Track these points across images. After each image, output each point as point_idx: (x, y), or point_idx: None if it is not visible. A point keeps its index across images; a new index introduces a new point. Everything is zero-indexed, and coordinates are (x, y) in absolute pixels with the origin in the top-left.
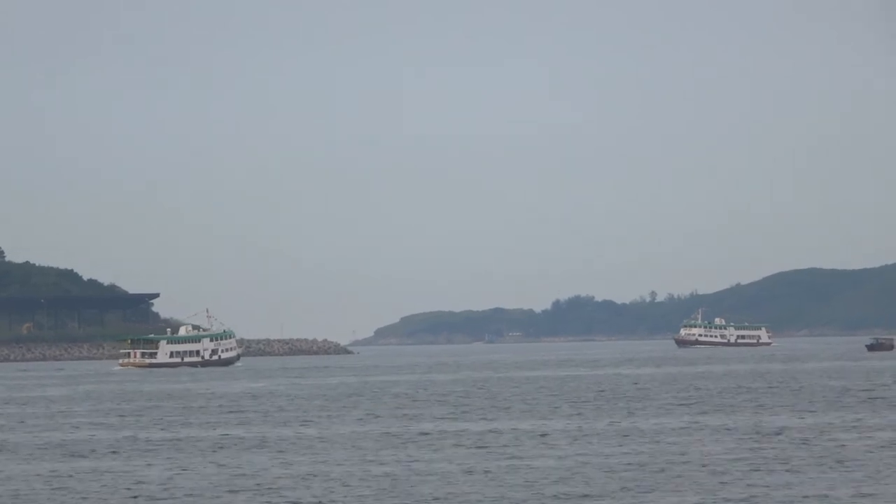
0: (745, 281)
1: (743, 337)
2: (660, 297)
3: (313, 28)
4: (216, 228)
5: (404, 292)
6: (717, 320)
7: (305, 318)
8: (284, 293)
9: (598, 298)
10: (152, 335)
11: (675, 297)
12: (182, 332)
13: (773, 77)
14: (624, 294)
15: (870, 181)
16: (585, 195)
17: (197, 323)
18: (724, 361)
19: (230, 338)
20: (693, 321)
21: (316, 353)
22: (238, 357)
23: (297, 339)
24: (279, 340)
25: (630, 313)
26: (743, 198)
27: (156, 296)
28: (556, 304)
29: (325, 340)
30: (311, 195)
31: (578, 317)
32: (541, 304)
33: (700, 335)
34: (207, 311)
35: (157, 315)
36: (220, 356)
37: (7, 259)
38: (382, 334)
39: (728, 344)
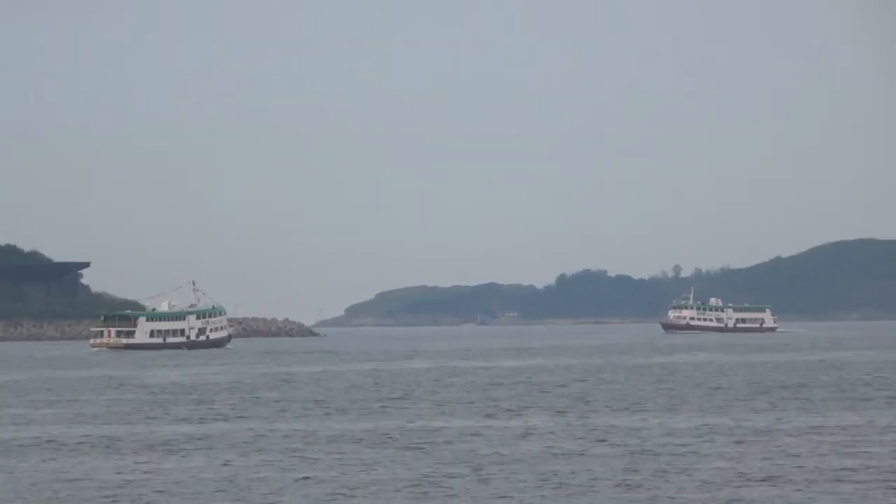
0: (785, 253)
1: (743, 321)
2: (685, 272)
3: None
4: (159, 189)
5: (381, 264)
6: (713, 300)
7: (262, 294)
8: (238, 264)
9: (612, 273)
10: (129, 311)
11: (704, 271)
12: (164, 307)
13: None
14: (642, 268)
15: None
16: (595, 154)
17: (179, 297)
18: (701, 349)
19: (220, 315)
20: (683, 301)
21: (275, 334)
22: (229, 338)
23: (253, 319)
24: (230, 319)
25: (649, 290)
26: (784, 159)
27: (86, 265)
28: (562, 279)
29: (286, 321)
30: (266, 149)
31: (588, 294)
32: (543, 278)
33: (692, 318)
34: (193, 283)
35: (87, 288)
36: (208, 336)
37: None
38: (355, 313)
39: (725, 329)
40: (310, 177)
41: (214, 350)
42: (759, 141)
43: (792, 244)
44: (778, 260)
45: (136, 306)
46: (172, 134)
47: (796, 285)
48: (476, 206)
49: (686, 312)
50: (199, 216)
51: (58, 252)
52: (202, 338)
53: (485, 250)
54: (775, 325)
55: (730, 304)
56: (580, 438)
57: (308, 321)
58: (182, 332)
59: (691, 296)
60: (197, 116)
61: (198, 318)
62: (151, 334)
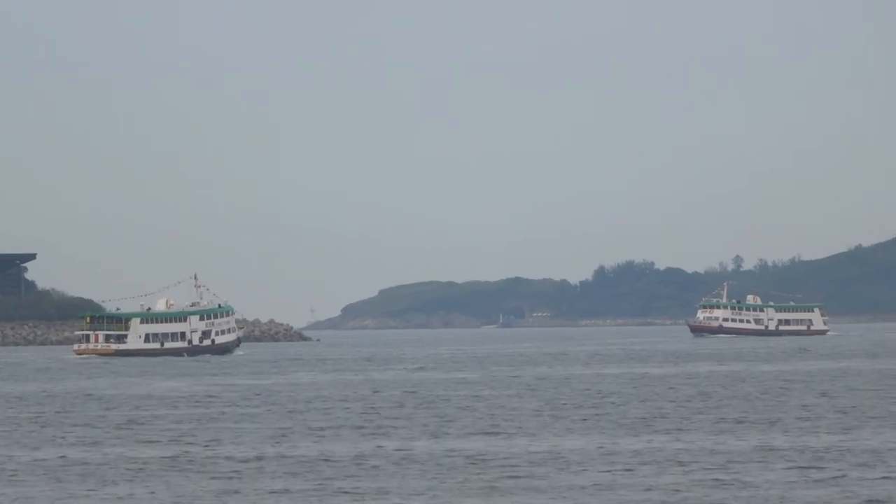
0: (867, 242)
1: (787, 322)
2: (747, 265)
3: None
4: (116, 172)
5: (384, 256)
6: (750, 298)
7: (244, 292)
8: (213, 257)
9: (660, 265)
10: (119, 310)
11: (770, 263)
12: (161, 306)
13: None
14: (696, 259)
15: None
16: (635, 125)
17: (178, 294)
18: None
19: (227, 315)
20: (715, 300)
21: (258, 339)
22: (238, 342)
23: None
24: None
25: (705, 286)
26: (860, 133)
27: (31, 257)
28: (601, 272)
29: (271, 322)
30: (249, 129)
31: (632, 291)
32: (578, 272)
33: (725, 319)
34: (195, 277)
35: (32, 284)
36: (213, 340)
37: None
38: (354, 313)
39: (765, 332)
40: (300, 152)
41: (221, 357)
42: (834, 107)
43: (873, 232)
44: (858, 249)
45: (92, 305)
46: (144, 115)
47: (879, 277)
48: (497, 187)
49: (718, 312)
50: (158, 203)
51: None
52: (206, 342)
53: (509, 239)
54: (826, 328)
55: (770, 303)
56: None
57: (298, 323)
58: (183, 335)
59: (724, 292)
60: (182, 97)
61: (201, 318)
62: (147, 338)
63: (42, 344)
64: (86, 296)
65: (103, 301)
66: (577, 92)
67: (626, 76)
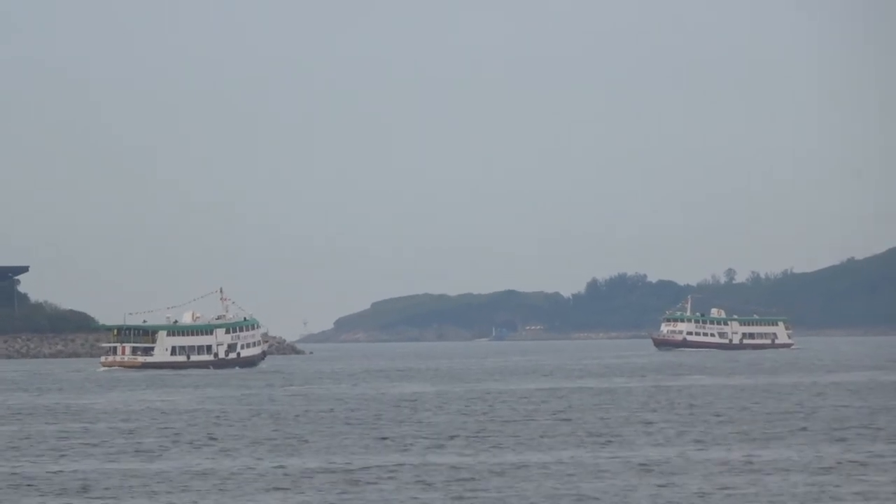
0: (860, 255)
1: (751, 336)
2: (739, 277)
3: None
4: (107, 184)
5: (377, 268)
6: (715, 311)
7: (234, 303)
8: (204, 269)
9: (653, 278)
10: (146, 323)
11: (762, 276)
12: (187, 319)
13: None
14: (688, 273)
15: None
16: (627, 136)
17: (203, 307)
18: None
19: (253, 328)
20: (679, 313)
21: None
22: (264, 355)
23: None
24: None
25: (697, 298)
26: (866, 135)
27: (24, 270)
28: (593, 285)
29: (264, 335)
30: (241, 137)
31: (625, 304)
32: (571, 285)
33: (689, 332)
34: (221, 290)
35: (25, 297)
36: (239, 353)
37: None
38: (346, 326)
39: (729, 345)
40: (292, 164)
41: (245, 370)
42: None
43: (868, 244)
44: (851, 262)
45: (86, 319)
46: (135, 122)
47: (875, 292)
48: (489, 199)
49: (682, 326)
50: (148, 214)
51: None
52: (232, 355)
53: (501, 252)
54: (790, 341)
55: (735, 317)
56: None
57: (290, 336)
58: (209, 348)
59: (689, 306)
60: (173, 99)
61: (227, 332)
62: (173, 351)
63: (35, 357)
64: (79, 308)
65: (128, 314)
66: (572, 104)
67: (622, 85)
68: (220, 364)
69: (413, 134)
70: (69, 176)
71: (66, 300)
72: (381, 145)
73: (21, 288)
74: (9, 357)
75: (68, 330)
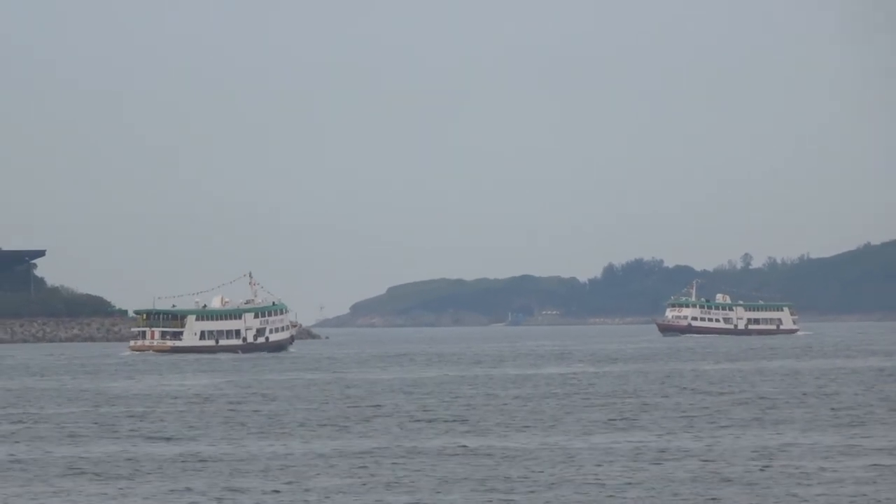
0: (876, 240)
1: (756, 321)
2: (756, 262)
3: None
4: (123, 168)
5: (393, 253)
6: (720, 297)
7: (263, 288)
8: (220, 252)
9: (669, 264)
10: (175, 307)
11: (779, 261)
12: (216, 304)
13: None
14: (705, 258)
15: None
16: (644, 122)
17: (232, 292)
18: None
19: (281, 313)
20: (684, 298)
21: None
22: (292, 339)
23: None
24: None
25: (714, 284)
26: (870, 130)
27: (40, 254)
28: (610, 270)
29: (291, 321)
30: (255, 123)
31: (641, 289)
32: (587, 270)
33: (694, 318)
34: (250, 275)
35: (41, 281)
36: (267, 338)
37: None
38: (362, 311)
39: (735, 331)
40: (309, 151)
41: (274, 354)
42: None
43: (885, 228)
44: (868, 248)
45: (102, 303)
46: (160, 117)
47: (892, 276)
48: (505, 184)
49: (687, 311)
50: (164, 198)
51: (8, 239)
52: (260, 339)
53: (518, 237)
54: (795, 327)
55: (740, 302)
56: None
57: (307, 321)
58: (237, 332)
59: (694, 291)
60: (187, 100)
61: (255, 316)
62: (202, 335)
63: (51, 341)
64: (95, 293)
65: (157, 298)
66: (586, 89)
67: (632, 74)
68: (248, 348)
69: (431, 120)
70: (85, 164)
71: (82, 285)
72: (399, 131)
73: (38, 272)
74: (24, 341)
75: (84, 314)
